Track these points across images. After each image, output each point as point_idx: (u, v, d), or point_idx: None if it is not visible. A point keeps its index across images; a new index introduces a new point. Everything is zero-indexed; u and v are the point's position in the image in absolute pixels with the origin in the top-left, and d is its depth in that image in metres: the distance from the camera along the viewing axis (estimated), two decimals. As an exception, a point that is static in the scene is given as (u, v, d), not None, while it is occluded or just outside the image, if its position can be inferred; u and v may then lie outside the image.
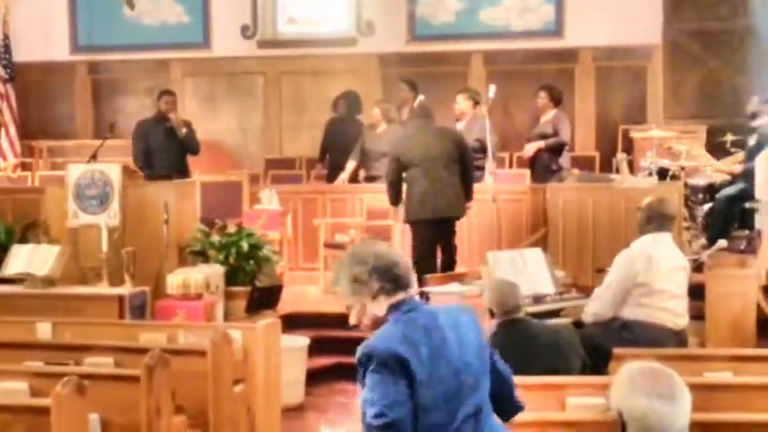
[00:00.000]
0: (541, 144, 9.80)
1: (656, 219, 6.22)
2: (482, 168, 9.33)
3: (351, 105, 11.30)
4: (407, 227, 8.79)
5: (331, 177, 10.97)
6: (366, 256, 3.31)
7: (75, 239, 7.58)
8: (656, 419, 2.78)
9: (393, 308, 3.27)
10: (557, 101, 10.06)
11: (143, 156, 10.12)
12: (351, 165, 10.43)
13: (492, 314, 5.18)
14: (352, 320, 3.36)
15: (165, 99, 10.32)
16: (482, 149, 9.15)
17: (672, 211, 6.34)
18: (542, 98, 10.05)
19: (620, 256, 6.20)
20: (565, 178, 9.62)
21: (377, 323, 3.28)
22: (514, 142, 10.28)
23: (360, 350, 3.16)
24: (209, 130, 12.31)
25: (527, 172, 10.36)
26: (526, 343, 5.02)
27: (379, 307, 3.28)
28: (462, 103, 9.80)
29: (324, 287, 9.28)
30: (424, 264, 8.04)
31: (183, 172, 10.01)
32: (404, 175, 8.50)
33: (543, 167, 9.83)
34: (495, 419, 3.38)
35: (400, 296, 3.29)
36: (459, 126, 9.66)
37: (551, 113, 9.99)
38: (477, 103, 9.77)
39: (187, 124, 10.25)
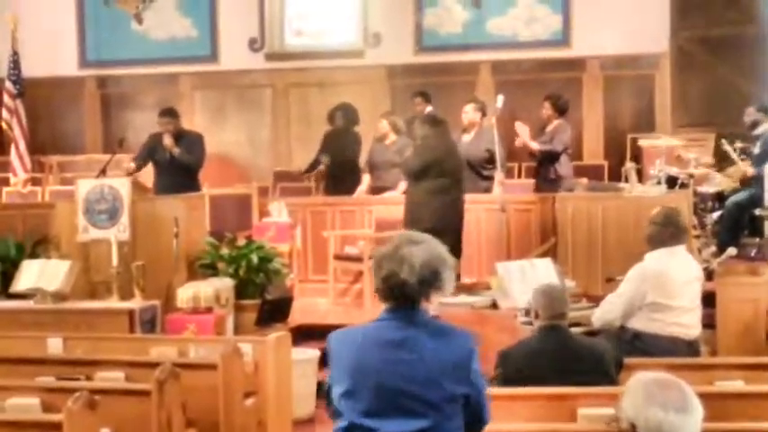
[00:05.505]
0: (533, 145, 9.69)
1: (674, 231, 6.08)
2: (491, 179, 9.38)
3: (348, 117, 11.22)
4: None
5: (331, 190, 10.94)
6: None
7: (86, 254, 7.60)
8: (670, 431, 2.79)
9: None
10: (561, 111, 9.96)
11: (141, 162, 9.78)
12: (366, 178, 10.43)
13: (536, 316, 5.15)
14: None
15: (158, 121, 9.79)
16: (491, 160, 9.20)
17: (687, 222, 6.25)
18: (546, 108, 9.97)
19: (634, 269, 6.12)
20: (568, 187, 9.54)
21: None
22: (522, 152, 10.26)
23: None
24: (217, 142, 12.36)
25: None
26: (561, 353, 4.95)
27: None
28: (472, 113, 9.76)
29: (333, 299, 9.32)
30: None
31: (190, 188, 9.38)
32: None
33: (542, 177, 9.78)
34: None
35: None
36: (468, 137, 9.68)
37: (554, 123, 9.94)
38: (484, 114, 9.80)
39: (179, 137, 9.65)
